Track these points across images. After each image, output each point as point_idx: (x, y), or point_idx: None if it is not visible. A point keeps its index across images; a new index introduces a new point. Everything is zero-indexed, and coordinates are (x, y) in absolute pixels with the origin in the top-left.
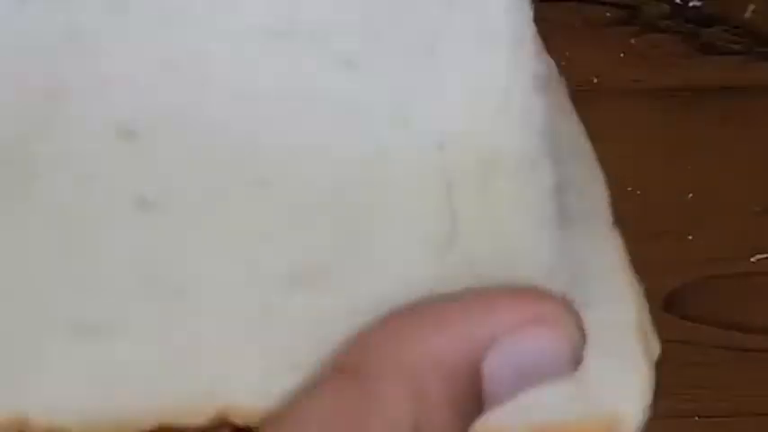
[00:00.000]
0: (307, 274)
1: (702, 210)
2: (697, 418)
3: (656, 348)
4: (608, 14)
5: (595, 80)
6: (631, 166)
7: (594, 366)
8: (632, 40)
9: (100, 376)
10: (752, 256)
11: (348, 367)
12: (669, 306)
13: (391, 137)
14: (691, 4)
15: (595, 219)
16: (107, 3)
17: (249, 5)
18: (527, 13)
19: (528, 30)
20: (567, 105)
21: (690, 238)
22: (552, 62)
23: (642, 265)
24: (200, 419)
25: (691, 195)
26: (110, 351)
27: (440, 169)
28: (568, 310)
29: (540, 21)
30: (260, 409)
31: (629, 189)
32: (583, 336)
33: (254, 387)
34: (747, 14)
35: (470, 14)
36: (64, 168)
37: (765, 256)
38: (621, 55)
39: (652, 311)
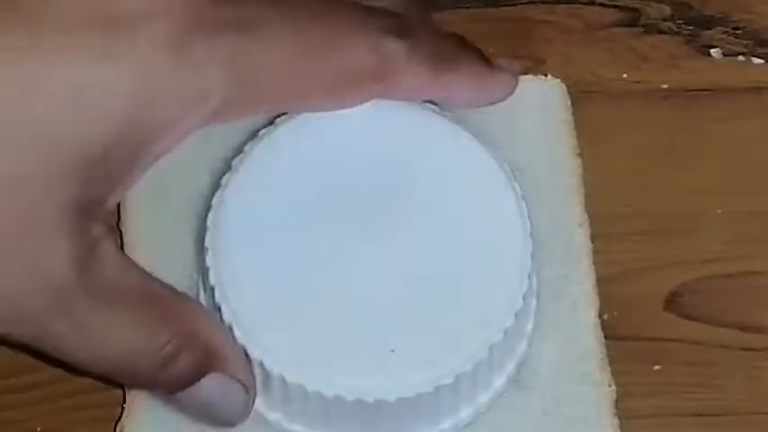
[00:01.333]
0: None
1: (702, 210)
2: (696, 417)
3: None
4: (609, 16)
5: (596, 81)
6: (632, 167)
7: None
8: (633, 42)
9: None
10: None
11: None
12: (669, 305)
13: None
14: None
15: None
16: None
17: None
18: None
19: None
20: None
21: (690, 237)
22: None
23: (642, 264)
24: None
25: (691, 196)
26: None
27: None
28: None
29: (542, 23)
30: None
31: (629, 190)
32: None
33: None
34: None
35: None
36: None
37: None
38: (622, 56)
39: (652, 311)
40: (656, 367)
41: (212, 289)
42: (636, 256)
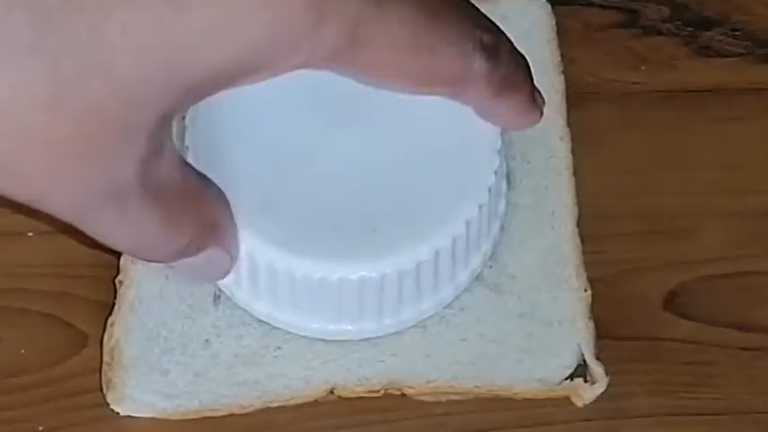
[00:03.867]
0: None
1: (702, 210)
2: (695, 417)
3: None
4: (608, 18)
5: (595, 82)
6: (631, 168)
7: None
8: (632, 43)
9: None
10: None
11: None
12: (668, 305)
13: None
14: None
15: None
16: None
17: None
18: None
19: None
20: None
21: (689, 238)
22: None
23: (641, 264)
24: None
25: (690, 196)
26: None
27: None
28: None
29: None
30: None
31: (629, 190)
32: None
33: None
34: None
35: None
36: None
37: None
38: (621, 58)
39: (651, 310)
40: (655, 367)
41: None
42: (635, 255)
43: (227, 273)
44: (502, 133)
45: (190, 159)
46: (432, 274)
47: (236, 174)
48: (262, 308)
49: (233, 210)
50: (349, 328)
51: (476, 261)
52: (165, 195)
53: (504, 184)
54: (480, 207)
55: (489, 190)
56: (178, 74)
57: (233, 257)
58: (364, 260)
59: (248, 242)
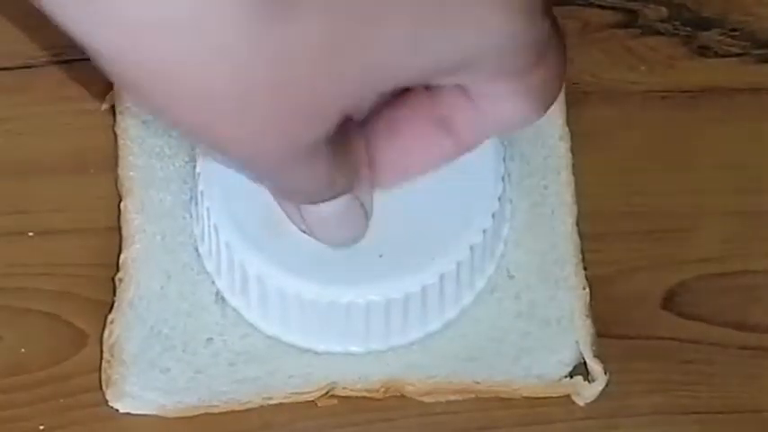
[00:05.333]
0: None
1: (699, 209)
2: (694, 415)
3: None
4: (606, 18)
5: (594, 82)
6: (630, 167)
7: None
8: (631, 43)
9: None
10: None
11: None
12: (667, 304)
13: None
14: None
15: None
16: None
17: None
18: None
19: None
20: None
21: (687, 237)
22: None
23: (640, 263)
24: None
25: (688, 195)
26: None
27: None
28: None
29: None
30: None
31: (627, 189)
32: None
33: None
34: None
35: None
36: None
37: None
38: (620, 58)
39: (650, 310)
40: (654, 365)
41: (208, 210)
42: (633, 255)
43: (360, 232)
44: (504, 159)
45: (202, 186)
46: (437, 297)
47: (246, 199)
48: (270, 328)
49: (243, 234)
50: (356, 349)
51: (480, 283)
52: (338, 147)
53: (508, 209)
54: (484, 232)
55: (493, 216)
56: (413, 61)
57: (367, 212)
58: (372, 285)
59: (258, 267)
